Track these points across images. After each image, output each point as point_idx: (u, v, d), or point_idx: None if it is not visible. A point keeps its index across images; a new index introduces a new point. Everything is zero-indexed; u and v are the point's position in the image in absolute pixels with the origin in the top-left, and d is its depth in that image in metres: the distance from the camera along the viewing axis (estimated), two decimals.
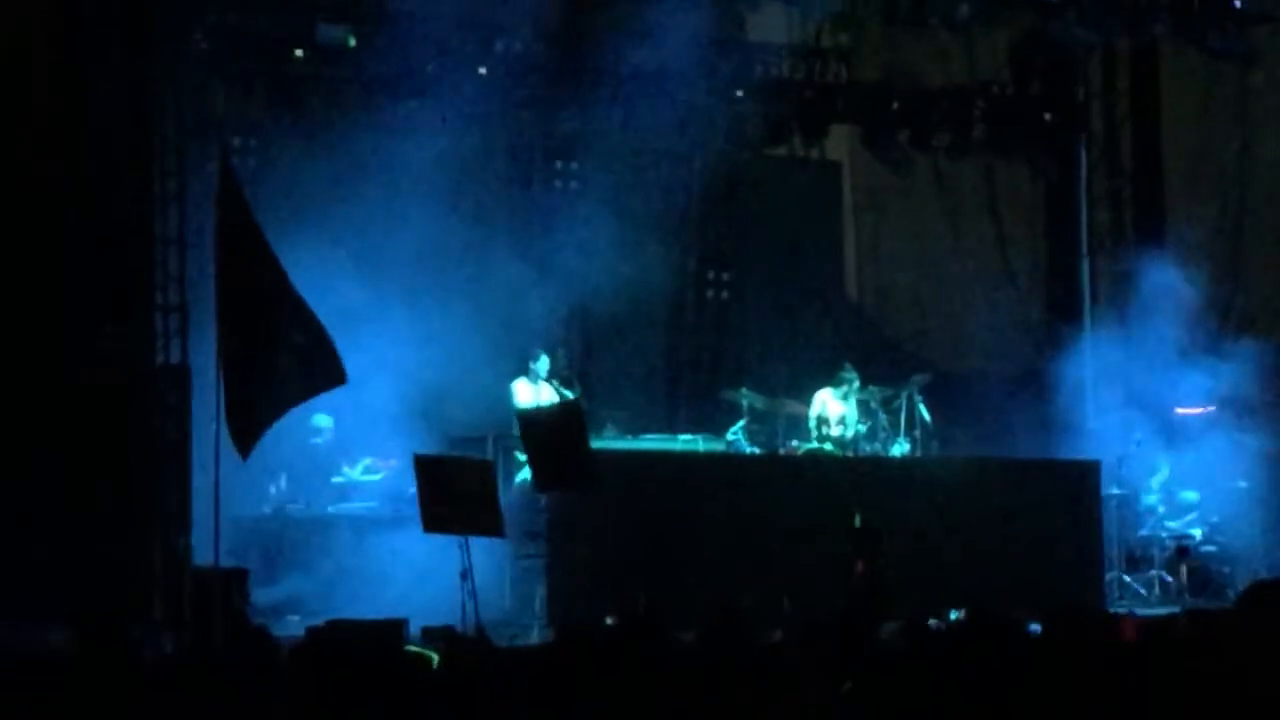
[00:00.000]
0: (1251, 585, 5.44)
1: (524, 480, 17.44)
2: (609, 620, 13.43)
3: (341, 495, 19.00)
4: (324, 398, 17.41)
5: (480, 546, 15.13)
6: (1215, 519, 20.70)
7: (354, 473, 19.20)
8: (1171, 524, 20.75)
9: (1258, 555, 20.29)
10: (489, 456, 17.54)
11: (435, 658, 8.13)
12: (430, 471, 15.21)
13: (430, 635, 14.22)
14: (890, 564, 16.56)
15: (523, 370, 19.10)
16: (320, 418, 18.82)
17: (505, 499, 16.08)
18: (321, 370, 13.83)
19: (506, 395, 18.99)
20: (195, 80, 17.87)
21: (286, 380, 13.74)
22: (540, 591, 17.02)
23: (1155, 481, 21.10)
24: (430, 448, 16.84)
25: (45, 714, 6.27)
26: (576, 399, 17.75)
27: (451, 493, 15.03)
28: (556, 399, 18.50)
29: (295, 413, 14.74)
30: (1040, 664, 6.56)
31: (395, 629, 13.80)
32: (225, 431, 13.53)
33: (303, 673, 4.11)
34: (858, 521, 17.00)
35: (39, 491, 14.86)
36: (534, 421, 16.50)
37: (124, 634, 7.33)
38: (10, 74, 15.41)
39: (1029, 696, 6.13)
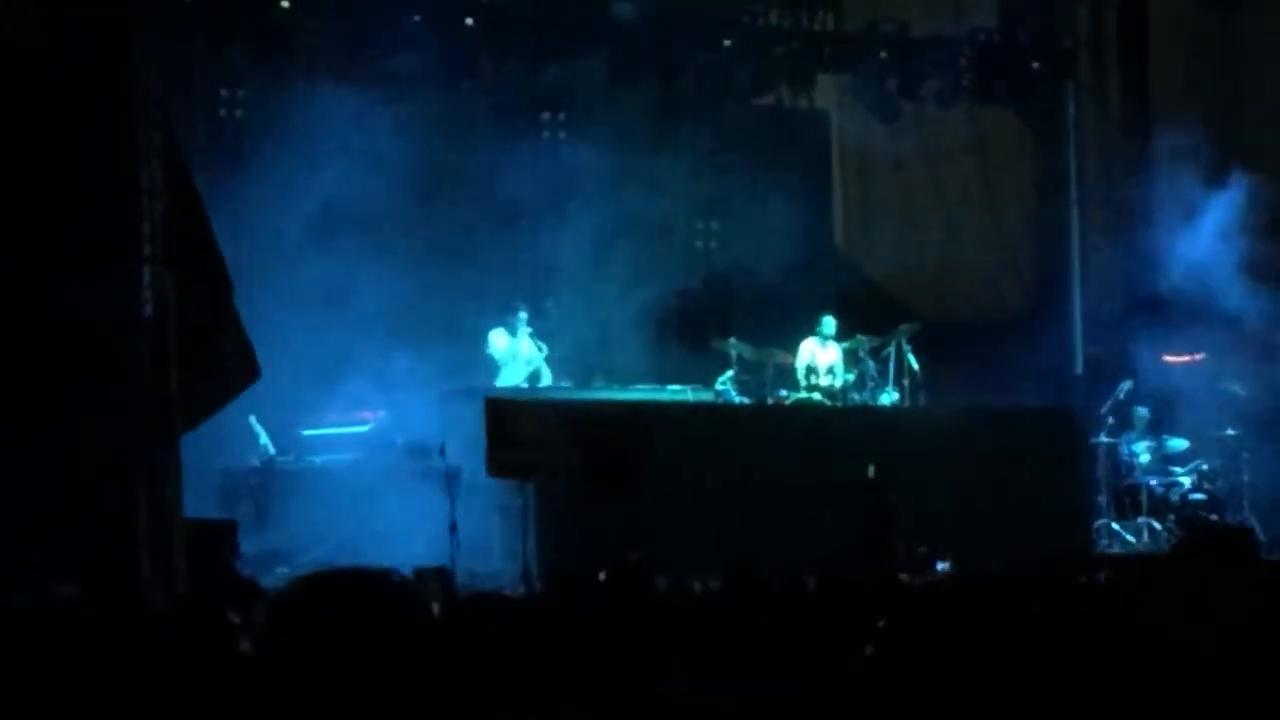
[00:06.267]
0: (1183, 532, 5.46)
1: None
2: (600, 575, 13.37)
3: (329, 446, 18.97)
4: (318, 348, 17.52)
5: (466, 500, 15.14)
6: (1204, 467, 20.72)
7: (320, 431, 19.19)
8: (1159, 472, 20.77)
9: (1245, 504, 20.32)
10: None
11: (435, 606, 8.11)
12: (500, 414, 15.26)
13: (422, 575, 14.20)
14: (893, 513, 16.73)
15: (501, 321, 19.35)
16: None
17: None
18: (247, 365, 13.62)
19: (482, 344, 19.29)
20: (179, 31, 17.82)
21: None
22: (529, 544, 16.97)
23: (1138, 428, 21.12)
24: (421, 398, 16.86)
25: (52, 666, 6.25)
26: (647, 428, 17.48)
27: (518, 437, 15.08)
28: (533, 351, 19.20)
29: None
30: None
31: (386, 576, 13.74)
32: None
33: (291, 618, 4.07)
34: (870, 473, 17.04)
35: (28, 447, 14.82)
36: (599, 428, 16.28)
37: (130, 588, 7.32)
38: None
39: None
